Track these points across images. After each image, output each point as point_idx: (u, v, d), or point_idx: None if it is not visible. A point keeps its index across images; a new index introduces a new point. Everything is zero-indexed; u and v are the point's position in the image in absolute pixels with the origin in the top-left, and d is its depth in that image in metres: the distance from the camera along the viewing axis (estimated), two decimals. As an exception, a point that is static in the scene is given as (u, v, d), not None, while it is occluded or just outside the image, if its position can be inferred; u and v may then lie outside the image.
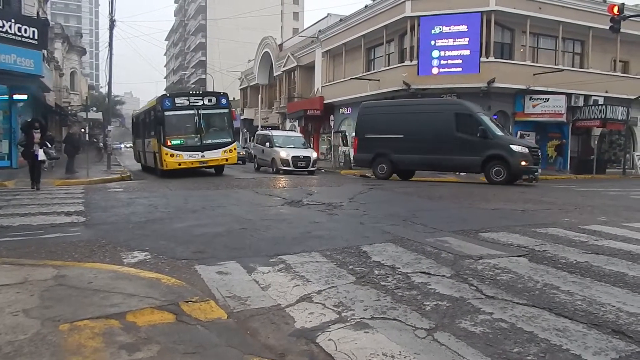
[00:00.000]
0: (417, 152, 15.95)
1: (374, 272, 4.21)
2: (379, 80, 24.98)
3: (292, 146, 20.63)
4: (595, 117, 23.59)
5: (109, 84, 21.88)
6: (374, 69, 27.21)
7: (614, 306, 3.51)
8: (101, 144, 27.83)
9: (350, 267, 4.37)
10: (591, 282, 4.10)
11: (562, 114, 23.08)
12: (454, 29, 22.53)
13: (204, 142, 16.65)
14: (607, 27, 16.83)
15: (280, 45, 42.15)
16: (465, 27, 22.36)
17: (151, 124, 18.20)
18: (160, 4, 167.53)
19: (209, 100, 17.11)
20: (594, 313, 3.37)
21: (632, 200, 11.74)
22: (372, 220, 7.28)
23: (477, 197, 11.27)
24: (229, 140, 17.42)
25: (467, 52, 22.36)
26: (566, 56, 25.34)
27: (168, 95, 17.45)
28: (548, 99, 23.02)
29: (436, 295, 3.66)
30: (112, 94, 27.71)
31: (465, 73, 22.22)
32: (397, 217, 7.62)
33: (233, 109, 20.37)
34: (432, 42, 22.89)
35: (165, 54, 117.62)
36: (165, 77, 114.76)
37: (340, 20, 29.59)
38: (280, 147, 20.40)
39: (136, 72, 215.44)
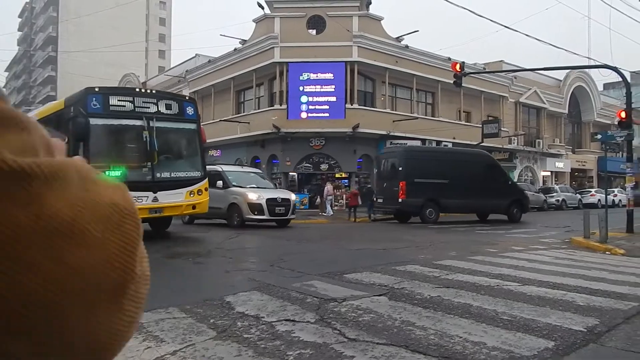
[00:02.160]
0: (460, 197, 17.51)
1: (237, 325, 4.09)
2: (249, 123, 25.30)
3: (254, 186, 15.26)
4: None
5: None
6: (244, 112, 27.54)
7: (461, 337, 3.85)
8: None
9: (212, 320, 4.19)
10: (442, 316, 4.47)
11: (419, 157, 25.59)
12: (321, 76, 23.98)
13: (158, 175, 9.87)
14: (452, 82, 19.32)
15: (144, 84, 40.62)
16: (332, 75, 23.94)
17: None
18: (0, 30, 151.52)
19: (168, 107, 10.41)
20: (444, 346, 3.66)
21: (477, 235, 13.28)
22: (239, 268, 7.15)
23: (344, 237, 11.78)
24: (199, 174, 10.80)
25: (333, 99, 23.85)
26: (420, 105, 28.42)
27: (97, 89, 9.66)
28: (406, 143, 25.38)
29: (300, 343, 3.66)
30: None
31: (332, 118, 23.59)
32: (265, 263, 7.61)
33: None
34: (301, 88, 24.02)
35: (4, 87, 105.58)
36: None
37: (209, 61, 29.63)
38: (241, 187, 14.80)
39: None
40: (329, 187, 20.97)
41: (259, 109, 26.41)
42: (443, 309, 4.70)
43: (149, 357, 3.30)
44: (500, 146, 28.89)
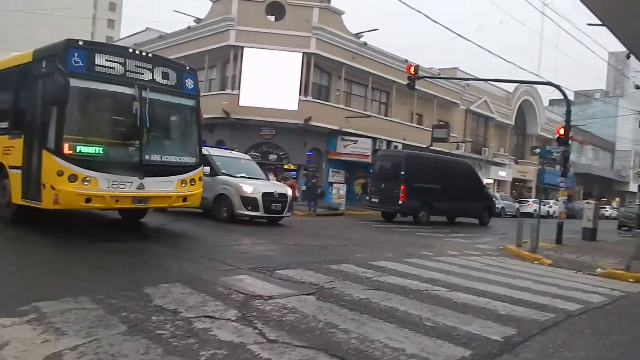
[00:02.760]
0: (448, 201, 19.35)
1: (151, 319, 3.90)
2: (198, 105, 24.58)
3: (245, 176, 13.30)
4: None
5: None
6: (193, 93, 26.75)
7: (382, 342, 3.86)
8: None
9: (124, 313, 3.97)
10: (367, 319, 4.47)
11: (368, 155, 25.85)
12: (277, 64, 23.65)
13: (146, 157, 8.13)
14: (406, 84, 19.61)
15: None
16: (288, 64, 23.66)
17: (17, 102, 8.73)
18: None
19: (165, 76, 8.63)
20: (364, 351, 3.65)
21: (416, 237, 13.58)
22: (167, 256, 6.91)
23: (283, 230, 11.68)
24: (193, 160, 9.06)
25: (287, 89, 23.61)
26: (374, 104, 28.69)
27: (80, 43, 7.77)
28: (357, 141, 25.59)
29: (216, 342, 3.54)
30: None
31: (285, 109, 23.37)
32: (196, 253, 7.40)
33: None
34: (255, 74, 23.60)
35: None
36: None
37: (160, 36, 28.57)
38: (232, 176, 12.91)
39: None
40: (271, 178, 20.73)
41: (209, 91, 25.74)
42: (369, 312, 4.71)
43: (45, 351, 3.07)
44: (448, 151, 29.68)
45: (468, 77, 31.14)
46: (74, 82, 7.27)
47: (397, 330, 4.21)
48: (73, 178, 7.17)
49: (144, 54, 8.59)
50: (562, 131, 14.90)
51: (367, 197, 20.30)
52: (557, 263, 10.12)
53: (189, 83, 9.07)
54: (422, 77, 20.70)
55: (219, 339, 3.60)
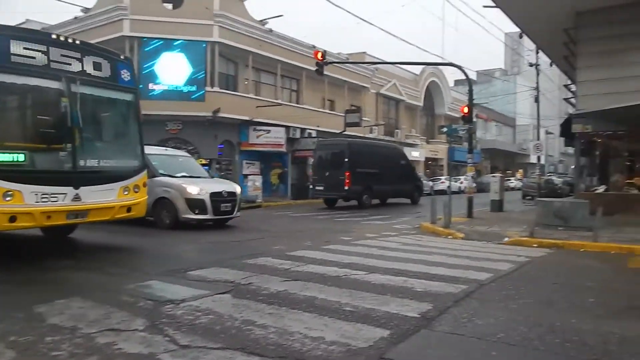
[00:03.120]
0: (386, 184, 21.06)
1: (45, 340, 3.58)
2: (94, 102, 23.06)
3: (186, 175, 12.32)
4: (310, 147, 27.23)
5: None
6: (88, 89, 25.04)
7: (301, 333, 3.85)
8: None
9: (12, 338, 3.61)
10: (286, 312, 4.45)
11: (283, 144, 25.82)
12: (179, 55, 22.76)
13: (81, 162, 7.11)
14: (314, 70, 19.73)
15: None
16: (190, 54, 22.84)
17: None
18: None
19: (97, 67, 7.54)
20: (283, 345, 3.61)
21: (334, 222, 13.82)
22: (60, 267, 6.41)
23: (196, 228, 11.33)
24: (136, 163, 8.19)
25: (192, 80, 22.83)
26: (284, 92, 28.62)
27: None
28: (270, 130, 25.41)
29: (121, 356, 3.32)
30: None
31: (191, 101, 22.61)
32: (95, 261, 6.94)
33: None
34: (155, 67, 22.55)
35: None
36: None
37: (43, 29, 26.32)
38: (172, 176, 11.85)
39: None
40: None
41: (106, 87, 24.23)
42: (288, 304, 4.69)
43: None
44: (362, 135, 30.44)
45: (376, 61, 32.01)
46: None
47: (316, 319, 4.23)
48: None
49: (70, 40, 7.30)
50: (466, 109, 15.85)
51: (311, 186, 21.74)
52: (469, 236, 10.77)
53: (125, 74, 7.98)
54: (330, 63, 20.93)
55: (125, 352, 3.39)
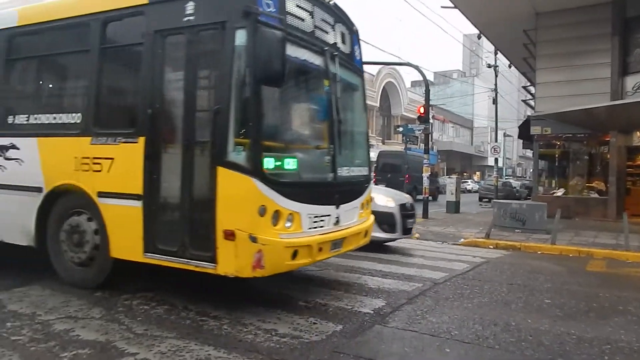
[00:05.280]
0: None
1: (6, 326, 3.83)
2: None
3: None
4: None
5: None
6: None
7: (254, 325, 4.11)
8: None
9: (-28, 324, 3.79)
10: (238, 303, 4.70)
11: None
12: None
13: (339, 172, 5.32)
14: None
15: None
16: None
17: (114, 75, 5.39)
18: None
19: (343, 39, 5.75)
20: (235, 335, 3.87)
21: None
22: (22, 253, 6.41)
23: None
24: (367, 172, 6.21)
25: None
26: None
27: None
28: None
29: (78, 342, 3.53)
30: None
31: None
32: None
33: None
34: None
35: None
36: None
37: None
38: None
39: None
40: None
41: None
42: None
43: None
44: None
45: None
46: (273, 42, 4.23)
47: (269, 312, 4.47)
48: (276, 217, 4.33)
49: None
50: (422, 110, 16.53)
51: None
52: (424, 236, 11.28)
53: (358, 52, 6.20)
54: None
55: (82, 339, 3.61)
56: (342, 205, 5.20)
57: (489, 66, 31.20)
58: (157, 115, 4.61)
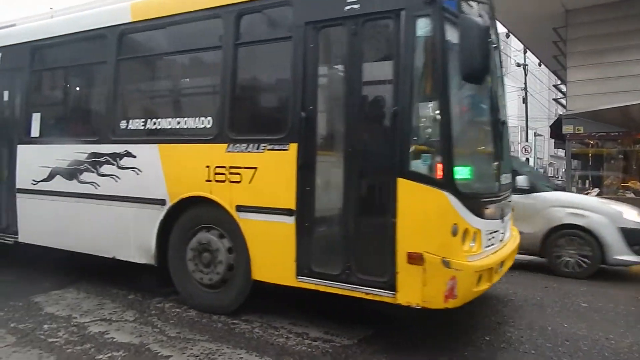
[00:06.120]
0: None
1: (43, 328, 3.99)
2: None
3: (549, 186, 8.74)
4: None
5: None
6: None
7: (285, 328, 4.17)
8: None
9: (12, 325, 4.02)
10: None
11: None
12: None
13: (502, 179, 4.62)
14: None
15: None
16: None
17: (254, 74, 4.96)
18: None
19: (496, 30, 5.11)
20: (267, 339, 3.95)
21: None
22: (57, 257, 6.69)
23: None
24: (512, 176, 5.39)
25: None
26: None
27: None
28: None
29: (113, 345, 3.70)
30: None
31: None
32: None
33: None
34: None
35: None
36: None
37: None
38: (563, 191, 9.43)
39: None
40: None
41: None
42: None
43: None
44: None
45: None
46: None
47: (300, 316, 4.47)
48: (464, 237, 3.78)
49: None
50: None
51: None
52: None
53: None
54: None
55: (117, 341, 3.77)
56: (504, 218, 4.61)
57: (518, 65, 30.76)
58: (312, 118, 4.10)
